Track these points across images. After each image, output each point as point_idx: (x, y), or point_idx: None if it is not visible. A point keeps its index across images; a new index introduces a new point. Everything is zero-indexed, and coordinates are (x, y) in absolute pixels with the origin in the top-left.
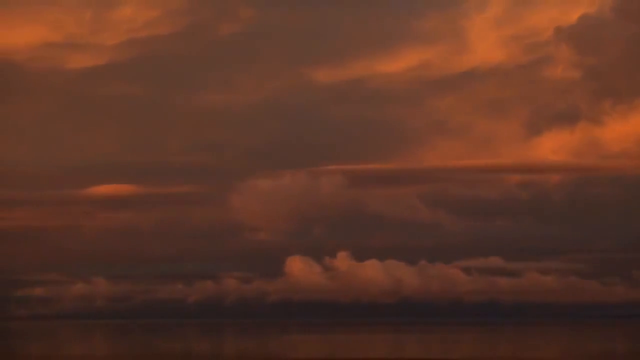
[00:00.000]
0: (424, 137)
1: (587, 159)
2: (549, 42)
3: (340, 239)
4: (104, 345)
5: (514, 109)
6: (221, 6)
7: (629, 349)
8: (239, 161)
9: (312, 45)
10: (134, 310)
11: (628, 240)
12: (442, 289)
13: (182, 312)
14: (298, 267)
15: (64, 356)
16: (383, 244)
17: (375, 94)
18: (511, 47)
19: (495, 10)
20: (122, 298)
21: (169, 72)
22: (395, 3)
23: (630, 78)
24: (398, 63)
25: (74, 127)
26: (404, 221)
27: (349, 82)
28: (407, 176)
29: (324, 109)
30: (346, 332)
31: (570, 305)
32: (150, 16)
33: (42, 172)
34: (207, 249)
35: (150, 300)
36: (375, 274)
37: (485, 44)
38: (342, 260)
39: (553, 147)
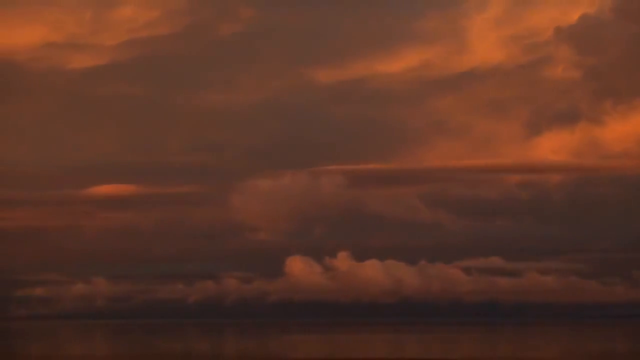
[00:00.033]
0: (424, 137)
1: (587, 159)
2: (549, 42)
3: (341, 239)
4: (104, 346)
5: (514, 109)
6: (221, 6)
7: (629, 349)
8: (239, 161)
9: (312, 45)
10: (134, 311)
11: (628, 240)
12: (442, 289)
13: (183, 312)
14: (298, 267)
15: (64, 356)
16: (383, 244)
17: (375, 94)
18: (511, 47)
19: (496, 11)
20: (122, 298)
21: (170, 72)
22: (396, 3)
23: (631, 78)
24: (398, 63)
25: (74, 127)
26: (404, 221)
27: (349, 82)
28: (407, 176)
29: (324, 108)
30: (346, 332)
31: (571, 305)
32: (150, 16)
33: (42, 172)
34: (207, 249)
35: (151, 300)
36: (375, 274)
37: (485, 44)
38: (343, 260)
39: (553, 147)
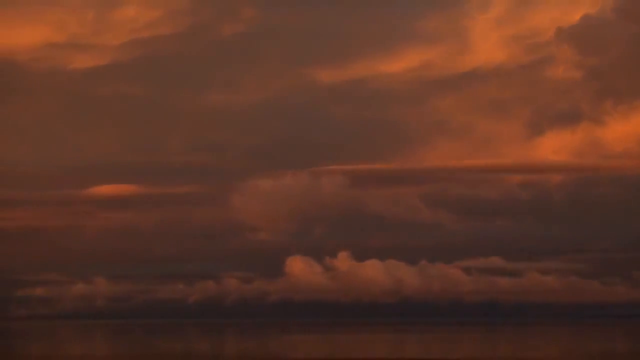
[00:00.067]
0: (425, 137)
1: (588, 159)
2: (551, 43)
3: (341, 239)
4: (105, 345)
5: (516, 109)
6: (223, 6)
7: (630, 348)
8: (240, 161)
9: (313, 45)
10: (134, 311)
11: (628, 240)
12: (443, 289)
13: (183, 312)
14: (299, 267)
15: (65, 356)
16: (384, 244)
17: (376, 94)
18: (513, 48)
19: (497, 11)
20: (122, 298)
21: (171, 72)
22: (397, 3)
23: (632, 78)
24: (399, 63)
25: (75, 127)
26: (405, 221)
27: (351, 82)
28: (408, 176)
29: (325, 108)
30: (347, 332)
31: (571, 306)
32: (152, 16)
33: (43, 172)
34: (207, 249)
35: (151, 300)
36: (375, 274)
37: (487, 44)
38: (343, 260)
39: (554, 147)
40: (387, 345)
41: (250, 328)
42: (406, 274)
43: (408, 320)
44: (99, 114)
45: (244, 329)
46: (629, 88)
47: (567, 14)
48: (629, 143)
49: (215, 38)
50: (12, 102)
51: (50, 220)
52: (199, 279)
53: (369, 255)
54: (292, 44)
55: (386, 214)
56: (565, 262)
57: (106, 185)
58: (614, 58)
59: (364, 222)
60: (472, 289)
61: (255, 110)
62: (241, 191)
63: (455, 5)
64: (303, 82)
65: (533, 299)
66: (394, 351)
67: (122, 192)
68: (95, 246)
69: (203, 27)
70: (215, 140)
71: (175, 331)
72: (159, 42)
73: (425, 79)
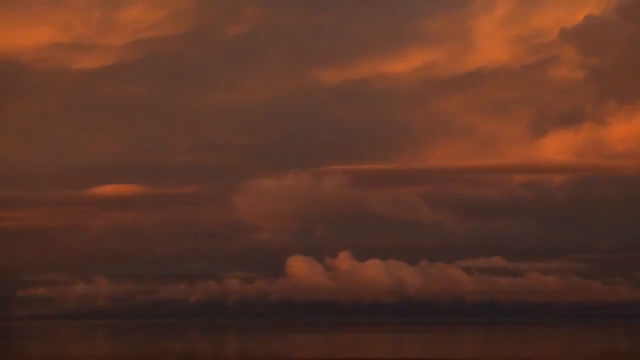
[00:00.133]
0: (429, 137)
1: (591, 159)
2: (554, 43)
3: (342, 239)
4: (106, 345)
5: (519, 109)
6: (227, 7)
7: (631, 348)
8: (243, 161)
9: (317, 45)
10: (136, 310)
11: (630, 240)
12: (444, 288)
13: (184, 312)
14: (300, 267)
15: (66, 356)
16: (385, 244)
17: (380, 94)
18: (516, 48)
19: (501, 11)
20: (124, 298)
21: (175, 73)
22: (401, 4)
23: (635, 78)
24: (403, 63)
25: (79, 127)
26: (406, 221)
27: (354, 83)
28: (411, 176)
29: (329, 109)
30: (348, 332)
31: (572, 305)
32: (157, 17)
33: (46, 172)
34: (209, 249)
35: (152, 300)
36: (377, 273)
37: (490, 44)
38: (344, 260)
39: (557, 147)
40: (388, 345)
41: (251, 328)
42: (407, 273)
43: (409, 320)
44: (103, 114)
45: (245, 328)
46: (632, 88)
47: (571, 14)
48: (632, 143)
49: (219, 38)
50: (16, 102)
51: (52, 220)
52: (200, 279)
53: (370, 255)
54: (296, 44)
55: (387, 213)
56: (566, 262)
57: (109, 185)
58: (617, 58)
59: (365, 222)
60: (473, 288)
61: (259, 111)
62: (243, 191)
63: (460, 5)
64: (307, 82)
65: (534, 299)
66: (395, 351)
67: (125, 192)
68: (97, 246)
69: (207, 27)
70: (218, 141)
71: (176, 331)
72: (163, 43)
73: (429, 79)
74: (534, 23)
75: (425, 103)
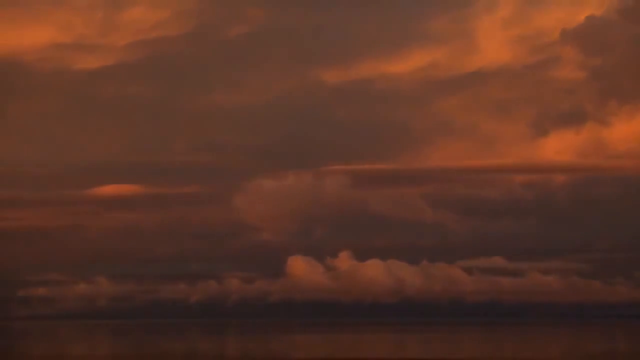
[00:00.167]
0: (430, 137)
1: (592, 160)
2: (556, 43)
3: (342, 239)
4: (106, 345)
5: (520, 110)
6: (230, 7)
7: (631, 348)
8: (244, 161)
9: (320, 46)
10: (136, 310)
11: (631, 240)
12: (445, 288)
13: (185, 312)
14: (300, 267)
15: (66, 356)
16: (385, 244)
17: (381, 94)
18: (518, 48)
19: (504, 12)
20: (124, 298)
21: (177, 73)
22: (403, 4)
23: (636, 79)
24: (405, 64)
25: (80, 128)
26: (407, 221)
27: (356, 83)
28: (411, 176)
29: (330, 109)
30: (348, 332)
31: (573, 305)
32: (159, 17)
33: (46, 172)
34: (209, 249)
35: (153, 300)
36: (377, 273)
37: (492, 44)
38: (344, 260)
39: (558, 147)
40: (388, 345)
41: (251, 328)
42: (408, 273)
43: (409, 320)
44: (104, 114)
45: (246, 328)
46: (634, 88)
47: (572, 15)
48: (633, 143)
49: (221, 39)
50: (17, 102)
51: (53, 220)
52: (200, 279)
53: (370, 255)
54: (297, 44)
55: (388, 213)
56: (567, 262)
57: (109, 185)
58: (618, 59)
59: (366, 222)
60: (473, 289)
61: (260, 111)
62: (244, 191)
63: (462, 6)
64: (308, 82)
65: (535, 299)
66: (396, 351)
67: (125, 192)
68: (98, 246)
69: (208, 27)
70: (218, 141)
71: (176, 331)
72: (165, 43)
73: (431, 79)
74: (535, 23)
75: (426, 103)
